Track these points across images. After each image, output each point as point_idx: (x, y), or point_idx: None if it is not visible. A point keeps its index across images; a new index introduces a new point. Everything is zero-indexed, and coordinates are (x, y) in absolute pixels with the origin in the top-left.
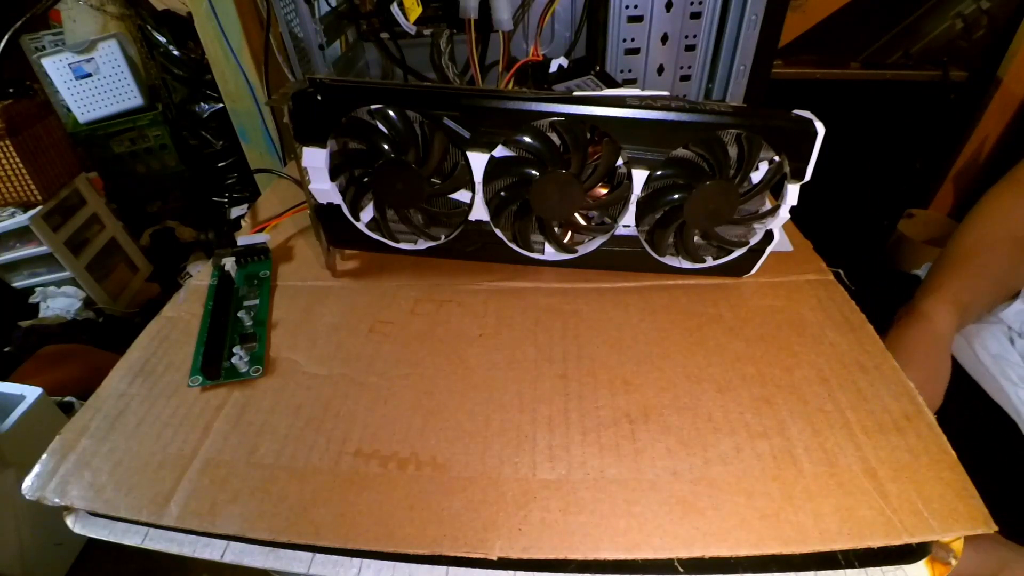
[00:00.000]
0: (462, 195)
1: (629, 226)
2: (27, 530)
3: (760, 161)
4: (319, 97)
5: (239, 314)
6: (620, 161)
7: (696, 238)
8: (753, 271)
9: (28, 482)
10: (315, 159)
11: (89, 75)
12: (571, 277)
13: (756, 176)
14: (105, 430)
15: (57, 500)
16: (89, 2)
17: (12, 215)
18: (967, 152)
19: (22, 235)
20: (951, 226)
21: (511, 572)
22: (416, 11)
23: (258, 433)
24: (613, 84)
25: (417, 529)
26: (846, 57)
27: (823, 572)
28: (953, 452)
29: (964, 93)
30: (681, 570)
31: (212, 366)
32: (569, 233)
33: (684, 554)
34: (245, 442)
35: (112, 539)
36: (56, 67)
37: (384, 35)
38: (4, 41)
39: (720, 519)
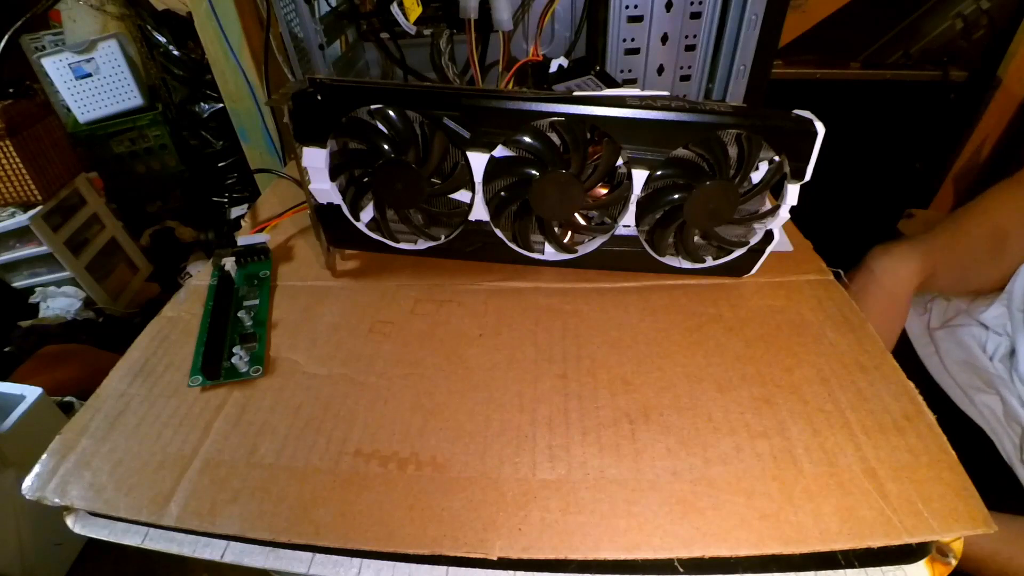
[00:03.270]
0: (462, 195)
1: (629, 226)
2: (27, 530)
3: (760, 161)
4: (319, 97)
5: (239, 314)
6: (620, 161)
7: (696, 238)
8: (753, 271)
9: (28, 482)
10: (315, 159)
11: (89, 75)
12: (571, 277)
13: (756, 176)
14: (105, 430)
15: (57, 500)
16: (89, 2)
17: (12, 215)
18: (967, 152)
19: (22, 235)
20: None
21: (511, 572)
22: (416, 11)
23: (258, 433)
24: (613, 84)
25: (417, 529)
26: (846, 57)
27: (823, 572)
28: (953, 452)
29: (964, 93)
30: (681, 570)
31: (212, 366)
32: (569, 233)
33: (684, 554)
34: (245, 442)
35: (112, 539)
36: (56, 67)
37: (384, 35)
38: (4, 41)
39: (720, 519)
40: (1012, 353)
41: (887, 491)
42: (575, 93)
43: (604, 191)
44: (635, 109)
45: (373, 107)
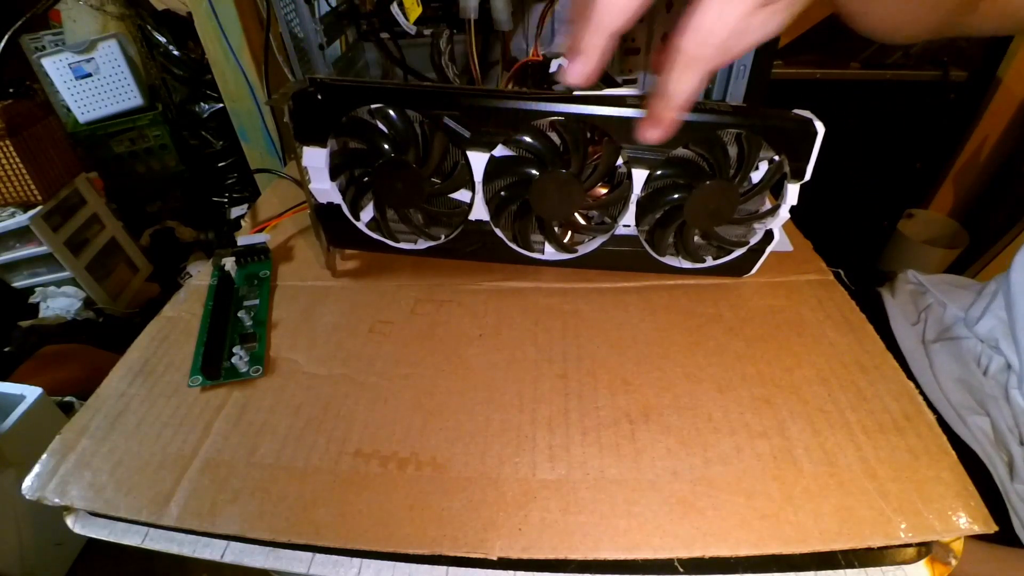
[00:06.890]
0: (462, 195)
1: (629, 226)
2: (27, 530)
3: (760, 161)
4: (319, 97)
5: (239, 314)
6: (620, 161)
7: (696, 238)
8: (753, 271)
9: (28, 482)
10: (315, 159)
11: (89, 75)
12: (571, 277)
13: (756, 176)
14: (105, 430)
15: (57, 500)
16: (89, 2)
17: (12, 215)
18: (967, 152)
19: (22, 235)
20: (951, 226)
21: (511, 572)
22: (416, 11)
23: (258, 433)
24: (613, 84)
25: (417, 529)
26: (846, 57)
27: (823, 572)
28: (953, 452)
29: (964, 93)
30: (681, 570)
31: (212, 366)
32: (569, 233)
33: (684, 554)
34: (245, 442)
35: (112, 539)
36: (56, 67)
37: (384, 35)
38: (4, 41)
39: (720, 519)
40: (1007, 367)
41: (887, 491)
42: (575, 93)
43: (604, 191)
44: (635, 109)
45: (373, 107)
